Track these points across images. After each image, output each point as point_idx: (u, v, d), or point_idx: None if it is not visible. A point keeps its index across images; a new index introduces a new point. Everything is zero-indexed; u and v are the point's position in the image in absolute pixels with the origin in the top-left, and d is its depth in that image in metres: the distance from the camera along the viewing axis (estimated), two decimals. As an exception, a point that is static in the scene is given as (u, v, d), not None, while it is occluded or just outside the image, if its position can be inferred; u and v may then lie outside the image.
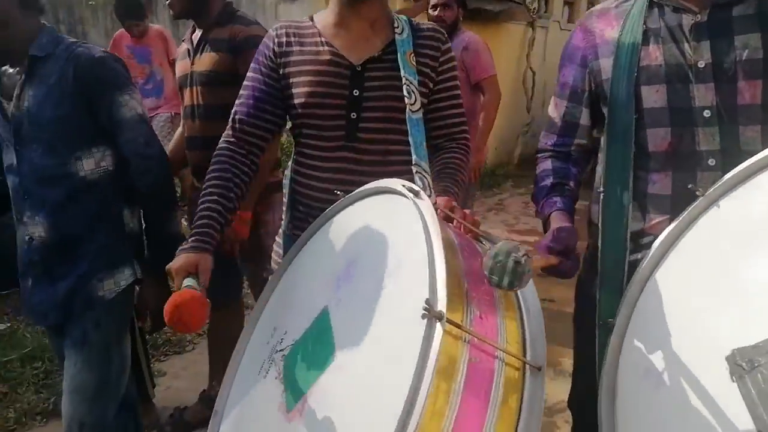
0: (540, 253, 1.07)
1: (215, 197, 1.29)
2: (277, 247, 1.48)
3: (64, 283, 1.47)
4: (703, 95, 1.10)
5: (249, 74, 1.39)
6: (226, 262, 2.01)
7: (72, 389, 1.49)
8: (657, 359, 0.93)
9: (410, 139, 1.24)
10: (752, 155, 0.94)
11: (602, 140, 1.26)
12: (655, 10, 1.16)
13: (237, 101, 1.40)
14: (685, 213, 1.00)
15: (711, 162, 1.10)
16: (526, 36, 7.05)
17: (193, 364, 2.75)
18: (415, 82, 1.28)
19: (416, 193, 0.92)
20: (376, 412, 0.76)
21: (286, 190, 1.46)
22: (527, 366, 0.80)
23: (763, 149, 0.94)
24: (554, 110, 1.35)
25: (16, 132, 1.43)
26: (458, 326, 0.72)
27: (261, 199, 2.04)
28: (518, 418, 0.76)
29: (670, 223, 1.03)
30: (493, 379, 0.76)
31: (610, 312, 1.06)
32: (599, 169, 1.26)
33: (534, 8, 6.42)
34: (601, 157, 1.25)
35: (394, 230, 0.96)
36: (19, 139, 1.44)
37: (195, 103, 1.98)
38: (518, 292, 0.89)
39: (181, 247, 1.22)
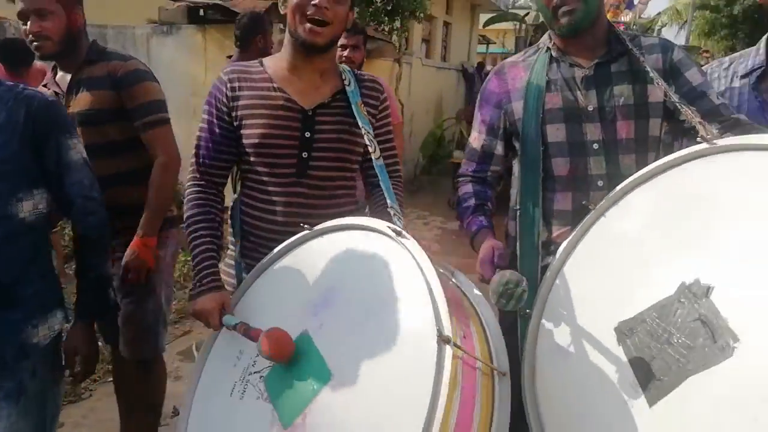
0: (486, 267, 1.28)
1: (209, 238, 1.41)
2: (227, 276, 1.54)
3: None
4: (592, 132, 1.41)
5: (204, 117, 1.47)
6: (137, 318, 2.00)
7: None
8: (564, 337, 1.20)
9: (381, 184, 1.39)
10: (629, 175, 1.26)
11: (516, 168, 1.53)
12: (554, 64, 1.45)
13: (196, 144, 1.48)
14: (581, 224, 1.29)
15: (600, 183, 1.40)
16: (394, 71, 7.54)
17: (92, 411, 2.60)
18: (372, 132, 1.44)
19: (399, 233, 1.08)
20: (392, 426, 0.91)
21: (232, 221, 1.54)
22: (495, 372, 1.01)
23: (637, 172, 1.25)
24: (475, 142, 1.59)
25: None
26: (459, 347, 0.90)
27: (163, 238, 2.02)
28: (492, 412, 0.97)
29: (571, 233, 1.31)
30: (477, 386, 0.96)
31: (528, 305, 1.28)
32: (513, 191, 1.54)
33: (399, 45, 6.90)
34: (515, 181, 1.53)
35: (377, 263, 1.12)
36: None
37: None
38: (480, 312, 1.11)
39: (198, 289, 1.32)
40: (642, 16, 13.01)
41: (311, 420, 1.03)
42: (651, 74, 1.35)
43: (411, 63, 8.27)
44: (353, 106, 1.43)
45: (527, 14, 8.11)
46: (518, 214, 1.47)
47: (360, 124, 1.42)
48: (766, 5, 1.50)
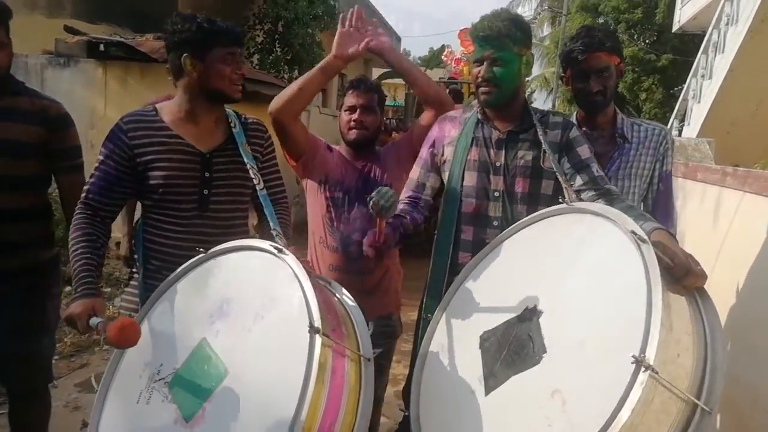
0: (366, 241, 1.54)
1: (88, 252, 1.53)
2: (131, 296, 1.70)
3: None
4: (496, 183, 1.75)
5: (100, 158, 1.63)
6: (42, 341, 2.03)
7: None
8: (449, 339, 1.50)
9: (265, 211, 1.64)
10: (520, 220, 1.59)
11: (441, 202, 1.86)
12: (480, 124, 1.79)
13: (89, 181, 1.64)
14: (479, 253, 1.62)
15: (495, 223, 1.74)
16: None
17: None
18: (256, 167, 1.70)
19: (280, 250, 1.33)
20: (273, 408, 1.13)
21: (136, 247, 1.71)
22: (362, 358, 1.27)
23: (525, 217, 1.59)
24: (413, 174, 1.90)
25: None
26: (327, 336, 1.16)
27: (50, 271, 2.06)
28: (359, 394, 1.23)
29: (471, 259, 1.63)
30: (345, 370, 1.22)
31: (431, 310, 1.62)
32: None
33: None
34: (440, 214, 1.84)
35: (262, 276, 1.35)
36: None
37: None
38: (349, 311, 1.37)
39: (72, 296, 1.42)
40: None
41: (210, 411, 1.22)
42: (544, 146, 1.70)
43: (309, 110, 8.70)
44: (239, 147, 1.68)
45: None
46: (435, 239, 1.81)
47: (245, 161, 1.67)
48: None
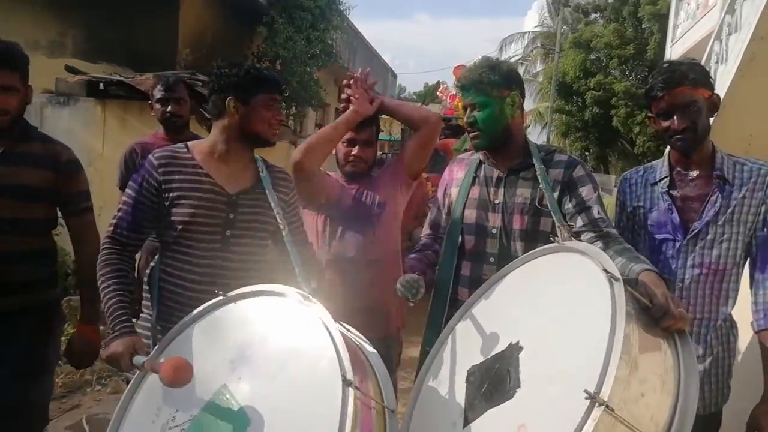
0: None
1: (120, 289, 1.56)
2: (142, 338, 1.65)
3: None
4: (494, 220, 1.80)
5: (129, 192, 1.64)
6: (41, 383, 2.00)
7: None
8: (442, 373, 1.52)
9: (291, 257, 1.64)
10: (516, 258, 1.61)
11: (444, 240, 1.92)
12: (483, 164, 1.86)
13: (116, 215, 1.64)
14: (477, 290, 1.62)
15: (491, 260, 1.79)
16: (290, 152, 7.97)
17: None
18: (282, 212, 1.71)
19: (307, 297, 1.31)
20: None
21: (149, 287, 1.68)
22: (386, 409, 1.23)
23: (522, 255, 1.62)
24: (431, 214, 2.03)
25: None
26: (358, 389, 1.12)
27: (53, 311, 2.05)
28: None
29: (469, 295, 1.66)
30: (372, 422, 1.18)
31: (430, 343, 1.66)
32: None
33: (294, 128, 7.39)
34: (441, 251, 1.91)
35: (288, 323, 1.32)
36: None
37: None
38: (369, 359, 1.34)
39: (111, 335, 1.45)
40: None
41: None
42: (541, 185, 1.73)
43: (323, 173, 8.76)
44: (267, 192, 1.69)
45: None
46: (437, 274, 1.87)
47: (272, 206, 1.68)
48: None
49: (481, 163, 1.87)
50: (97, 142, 5.50)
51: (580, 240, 1.66)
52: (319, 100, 8.67)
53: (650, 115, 1.81)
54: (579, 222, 1.70)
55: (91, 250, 1.98)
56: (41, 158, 1.93)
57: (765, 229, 1.73)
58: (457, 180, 1.91)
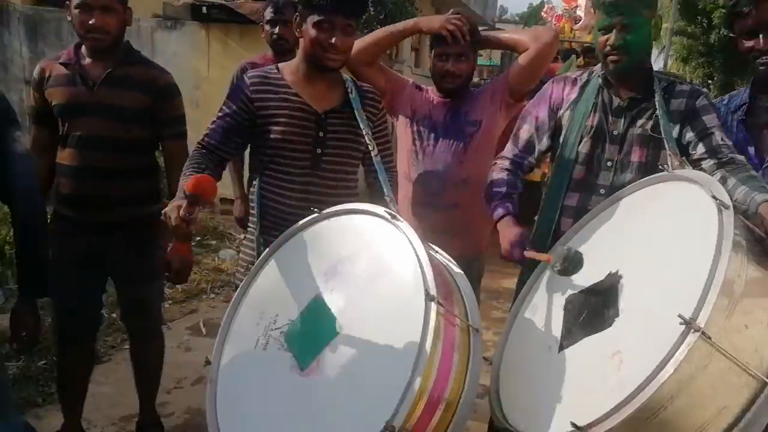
0: (515, 249, 1.62)
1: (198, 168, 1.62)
2: (248, 249, 1.81)
3: None
4: (610, 152, 1.71)
5: (223, 108, 1.73)
6: (152, 287, 2.23)
7: None
8: (540, 301, 1.54)
9: (379, 177, 1.68)
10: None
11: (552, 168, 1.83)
12: (601, 90, 1.74)
13: (209, 127, 1.73)
14: (581, 220, 1.62)
15: (602, 191, 1.70)
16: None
17: (114, 371, 2.90)
18: (371, 133, 1.73)
19: (394, 216, 1.36)
20: (386, 369, 1.18)
21: (255, 204, 1.80)
22: (470, 328, 1.28)
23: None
24: (523, 133, 1.85)
25: None
26: (440, 304, 1.17)
27: (156, 224, 2.16)
28: (467, 364, 1.25)
29: (573, 224, 1.64)
30: (455, 339, 1.24)
31: (529, 272, 1.64)
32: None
33: (390, 53, 7.24)
34: (549, 179, 1.82)
35: (377, 240, 1.39)
36: None
37: (93, 133, 2.01)
38: (455, 279, 1.38)
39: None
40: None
41: (323, 363, 1.29)
42: (659, 114, 1.63)
43: (402, 71, 8.63)
44: (356, 112, 1.72)
45: None
46: (542, 203, 1.80)
47: (361, 126, 1.71)
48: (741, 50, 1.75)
49: (600, 89, 1.74)
50: (203, 65, 5.75)
51: (701, 169, 1.57)
52: (414, 22, 8.45)
53: (732, 35, 1.69)
54: (699, 149, 1.61)
55: (180, 173, 2.16)
56: (140, 82, 2.03)
57: None
58: (568, 102, 1.78)
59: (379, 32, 2.10)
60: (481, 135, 2.10)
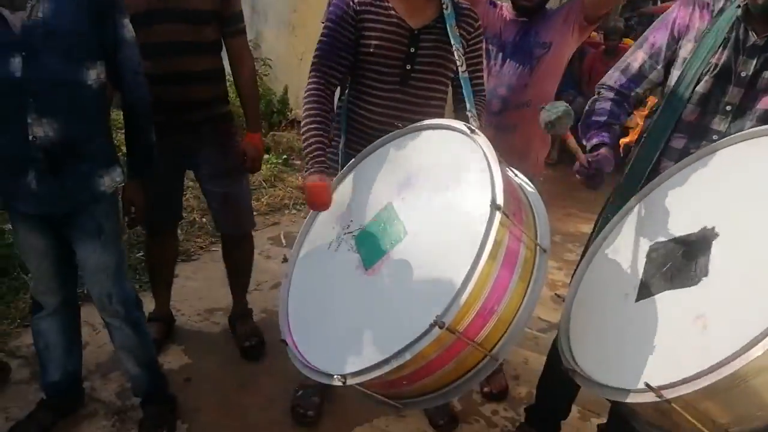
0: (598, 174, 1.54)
1: (321, 130, 1.68)
2: (332, 162, 1.86)
3: (71, 179, 1.67)
4: (733, 96, 1.52)
5: (329, 25, 1.73)
6: (236, 196, 2.34)
7: (95, 270, 1.79)
8: (621, 243, 1.47)
9: (464, 92, 1.68)
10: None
11: (661, 100, 1.65)
12: (736, 24, 1.50)
13: (319, 47, 1.74)
14: (680, 162, 1.49)
15: (714, 137, 1.52)
16: None
17: (201, 269, 3.16)
18: (462, 50, 1.71)
19: (473, 131, 1.38)
20: (444, 273, 1.23)
21: (339, 117, 1.86)
22: (538, 247, 1.30)
23: None
24: (633, 58, 1.68)
25: (25, 39, 1.55)
26: (506, 216, 1.20)
27: (229, 122, 2.30)
28: (529, 281, 1.27)
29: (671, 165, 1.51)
30: (519, 253, 1.26)
31: (614, 212, 1.55)
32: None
33: None
34: (655, 117, 1.65)
35: (454, 153, 1.42)
36: (29, 46, 1.55)
37: (167, 39, 2.03)
38: (530, 199, 1.39)
39: (308, 172, 1.64)
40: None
41: (387, 264, 1.37)
42: None
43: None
44: (449, 28, 1.70)
45: None
46: (643, 141, 1.65)
47: (452, 43, 1.69)
48: None
49: (735, 22, 1.51)
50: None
51: None
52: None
53: None
54: None
55: (248, 71, 2.25)
56: None
57: None
58: (696, 32, 1.57)
59: None
60: (550, 58, 2.08)
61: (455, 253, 1.23)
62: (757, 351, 0.98)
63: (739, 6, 1.51)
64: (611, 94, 1.71)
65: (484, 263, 1.16)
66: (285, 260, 1.55)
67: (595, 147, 1.61)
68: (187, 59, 2.10)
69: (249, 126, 2.32)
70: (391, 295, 1.33)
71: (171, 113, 2.12)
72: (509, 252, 1.23)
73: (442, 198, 1.37)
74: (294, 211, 4.07)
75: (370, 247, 1.44)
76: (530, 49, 2.08)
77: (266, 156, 4.22)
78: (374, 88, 1.76)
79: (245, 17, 2.26)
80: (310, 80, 1.74)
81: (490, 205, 1.19)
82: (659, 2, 7.62)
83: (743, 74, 1.51)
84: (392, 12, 1.72)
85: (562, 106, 1.39)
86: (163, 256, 2.50)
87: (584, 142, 1.66)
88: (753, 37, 1.49)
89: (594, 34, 5.86)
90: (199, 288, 2.96)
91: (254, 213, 2.58)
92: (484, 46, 1.98)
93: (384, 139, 1.64)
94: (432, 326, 1.14)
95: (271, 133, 5.21)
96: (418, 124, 1.57)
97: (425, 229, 1.35)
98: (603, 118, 1.66)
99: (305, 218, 1.69)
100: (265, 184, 4.31)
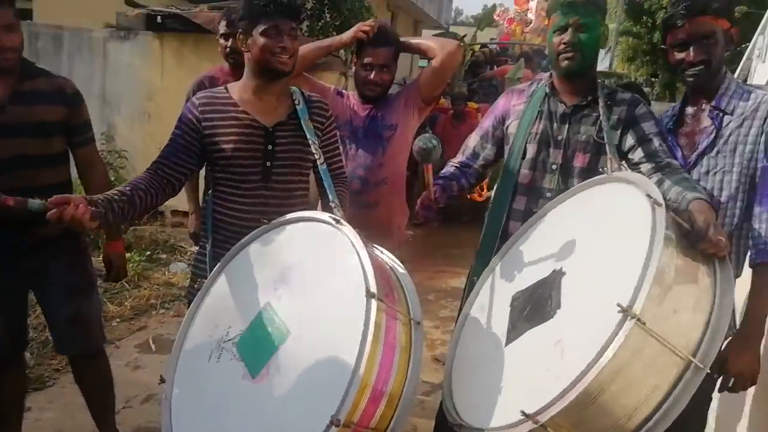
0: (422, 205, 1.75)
1: (119, 189, 1.59)
2: (200, 264, 1.84)
3: None
4: (555, 156, 1.81)
5: (175, 130, 1.76)
6: (87, 312, 2.16)
7: None
8: (489, 300, 1.65)
9: (324, 184, 1.74)
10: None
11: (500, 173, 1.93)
12: (547, 98, 1.83)
13: (163, 147, 1.76)
14: (527, 222, 1.73)
15: (548, 195, 1.79)
16: (340, 83, 7.84)
17: (59, 396, 2.82)
18: (318, 142, 1.78)
19: (338, 221, 1.41)
20: (332, 365, 1.23)
21: (205, 218, 1.84)
22: (412, 321, 1.35)
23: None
24: (471, 141, 1.99)
25: None
26: (381, 301, 1.23)
27: (82, 236, 2.19)
28: (410, 354, 1.31)
29: (521, 227, 1.74)
30: (397, 332, 1.30)
31: (478, 273, 1.75)
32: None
33: (346, 59, 7.29)
34: (497, 185, 1.92)
35: (322, 246, 1.45)
36: None
37: (11, 154, 1.91)
38: (399, 278, 1.45)
39: None
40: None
41: (274, 368, 1.34)
42: (602, 121, 1.73)
43: (353, 76, 8.55)
44: (302, 122, 1.77)
45: (465, 35, 8.72)
46: (490, 207, 1.91)
47: (308, 137, 1.75)
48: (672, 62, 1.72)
49: (546, 97, 1.84)
50: (156, 75, 5.69)
51: (640, 172, 1.66)
52: (370, 28, 8.48)
53: (663, 46, 1.77)
54: (638, 154, 1.71)
55: (101, 177, 2.17)
56: (50, 93, 1.99)
57: (765, 161, 1.64)
58: (517, 112, 1.88)
59: (307, 46, 2.22)
60: (398, 138, 2.28)
61: (339, 348, 1.24)
62: (603, 361, 1.11)
63: (546, 85, 1.85)
64: (453, 165, 2.01)
65: (368, 353, 1.18)
66: (162, 381, 1.44)
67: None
68: (37, 173, 1.96)
69: (108, 235, 2.21)
70: (282, 401, 1.30)
71: (17, 230, 1.93)
72: (388, 332, 1.27)
73: (318, 292, 1.38)
74: (162, 311, 3.79)
75: (253, 352, 1.40)
76: (379, 132, 2.27)
77: (128, 254, 3.92)
78: (237, 188, 1.77)
79: (95, 108, 2.19)
80: (146, 169, 1.73)
81: (366, 295, 1.22)
82: (495, 67, 8.55)
83: (559, 138, 1.80)
84: (243, 114, 1.75)
85: (434, 139, 1.54)
86: (6, 392, 2.16)
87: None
88: (562, 107, 1.80)
89: (442, 100, 6.44)
90: (57, 419, 2.61)
91: (118, 319, 2.40)
92: (338, 133, 2.07)
93: (251, 236, 1.63)
94: (329, 426, 1.13)
95: (132, 228, 4.93)
96: (284, 218, 1.59)
97: (307, 326, 1.35)
98: (445, 176, 1.96)
99: (175, 317, 1.61)
100: (128, 285, 3.97)
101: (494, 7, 10.93)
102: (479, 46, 7.43)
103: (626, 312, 1.12)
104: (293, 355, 1.32)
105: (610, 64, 17.19)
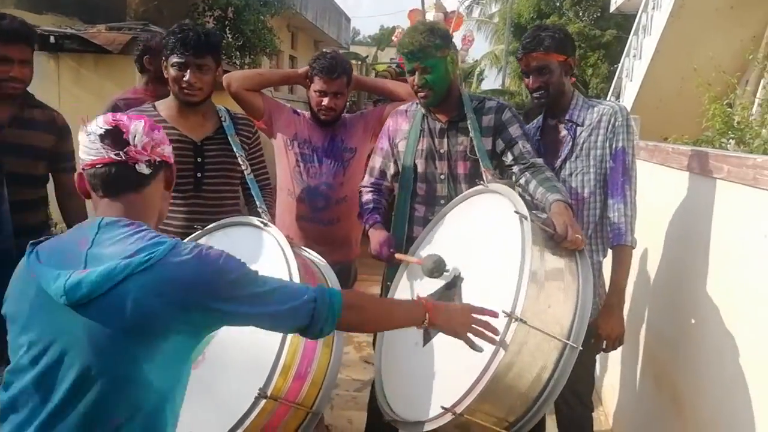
0: (383, 247, 1.95)
1: None
2: None
3: None
4: (441, 167, 2.05)
5: None
6: None
7: None
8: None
9: (252, 192, 1.95)
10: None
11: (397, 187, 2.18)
12: (426, 117, 2.07)
13: None
14: (425, 229, 1.97)
15: (442, 201, 2.03)
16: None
17: None
18: (244, 154, 1.99)
19: (266, 224, 1.63)
20: (260, 350, 1.41)
21: None
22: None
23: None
24: (375, 163, 2.21)
25: None
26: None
27: None
28: (333, 337, 1.52)
29: (421, 232, 1.98)
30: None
31: (390, 278, 1.98)
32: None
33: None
34: (396, 197, 2.15)
35: (251, 246, 1.64)
36: None
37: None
38: (322, 270, 1.68)
39: None
40: (464, 61, 14.69)
41: (209, 354, 1.52)
42: (471, 133, 1.96)
43: (262, 95, 8.72)
44: (229, 137, 1.97)
45: (368, 56, 9.15)
46: (393, 217, 2.13)
47: (234, 150, 1.96)
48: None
49: (424, 116, 2.06)
50: (53, 96, 5.50)
51: (512, 171, 1.96)
52: (273, 48, 8.65)
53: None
54: (509, 157, 1.96)
55: (80, 201, 2.27)
56: (44, 123, 2.18)
57: (612, 162, 1.97)
58: (403, 132, 2.11)
59: (268, 70, 2.42)
60: (356, 160, 2.45)
61: (268, 334, 1.39)
62: (500, 355, 1.35)
63: (422, 105, 2.07)
64: (369, 188, 2.21)
65: (290, 338, 1.39)
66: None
67: (372, 226, 2.07)
68: (23, 189, 2.11)
69: None
70: (217, 382, 1.48)
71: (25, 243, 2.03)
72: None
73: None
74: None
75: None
76: (340, 153, 2.41)
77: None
78: (172, 198, 1.91)
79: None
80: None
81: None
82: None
83: (441, 151, 2.08)
84: (172, 130, 1.91)
85: (435, 255, 1.73)
86: None
87: (365, 226, 2.11)
88: (439, 124, 2.07)
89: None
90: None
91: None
92: (298, 150, 2.31)
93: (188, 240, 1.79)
94: (257, 398, 1.32)
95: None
96: (217, 223, 1.77)
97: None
98: (371, 205, 2.15)
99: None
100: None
101: (393, 29, 11.46)
102: (383, 66, 7.81)
103: (510, 316, 1.36)
104: (226, 343, 1.50)
105: (503, 82, 18.38)
